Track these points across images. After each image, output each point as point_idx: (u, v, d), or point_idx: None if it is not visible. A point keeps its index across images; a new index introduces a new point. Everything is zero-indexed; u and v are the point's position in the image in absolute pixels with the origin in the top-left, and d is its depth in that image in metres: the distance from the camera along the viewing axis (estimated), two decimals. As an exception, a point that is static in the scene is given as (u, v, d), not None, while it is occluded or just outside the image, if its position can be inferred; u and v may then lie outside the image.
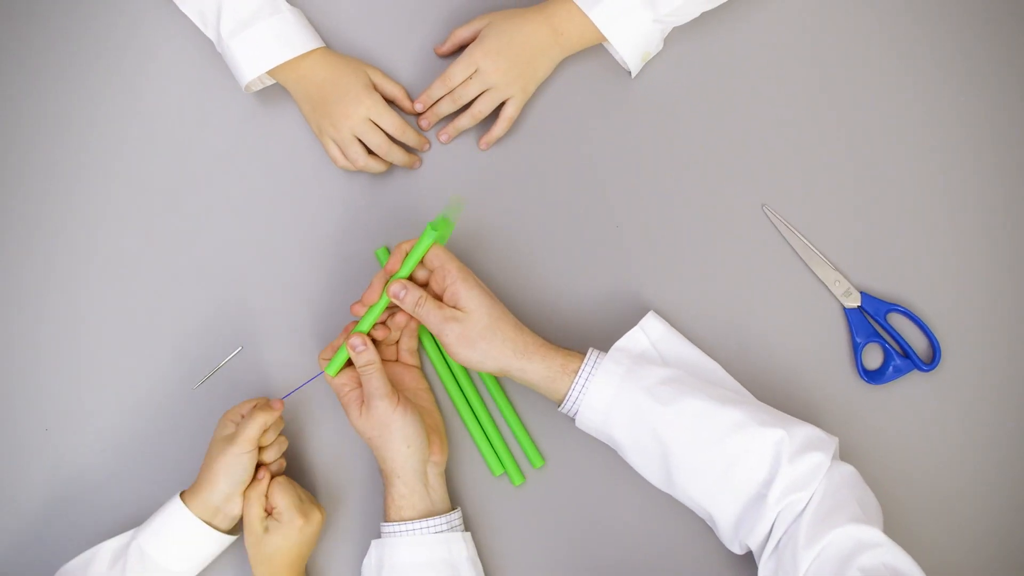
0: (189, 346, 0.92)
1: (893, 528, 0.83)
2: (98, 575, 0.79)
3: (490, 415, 0.89)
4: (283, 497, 0.81)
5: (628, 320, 0.87)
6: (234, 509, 0.82)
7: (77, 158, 0.95)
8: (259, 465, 0.84)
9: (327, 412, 0.90)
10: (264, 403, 0.84)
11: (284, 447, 0.86)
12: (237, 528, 0.84)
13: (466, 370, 0.90)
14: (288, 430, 0.89)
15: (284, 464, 0.87)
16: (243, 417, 0.83)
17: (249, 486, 0.82)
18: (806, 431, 0.77)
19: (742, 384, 0.87)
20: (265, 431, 0.82)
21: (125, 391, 0.92)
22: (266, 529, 0.81)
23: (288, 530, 0.80)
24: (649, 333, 0.85)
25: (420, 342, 0.90)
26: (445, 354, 0.89)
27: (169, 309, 0.93)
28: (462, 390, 0.89)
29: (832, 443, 0.77)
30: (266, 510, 0.82)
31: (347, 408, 0.83)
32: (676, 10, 0.88)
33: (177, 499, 0.81)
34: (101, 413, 0.92)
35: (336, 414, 0.90)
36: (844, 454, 0.85)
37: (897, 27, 0.94)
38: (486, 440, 0.88)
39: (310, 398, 0.89)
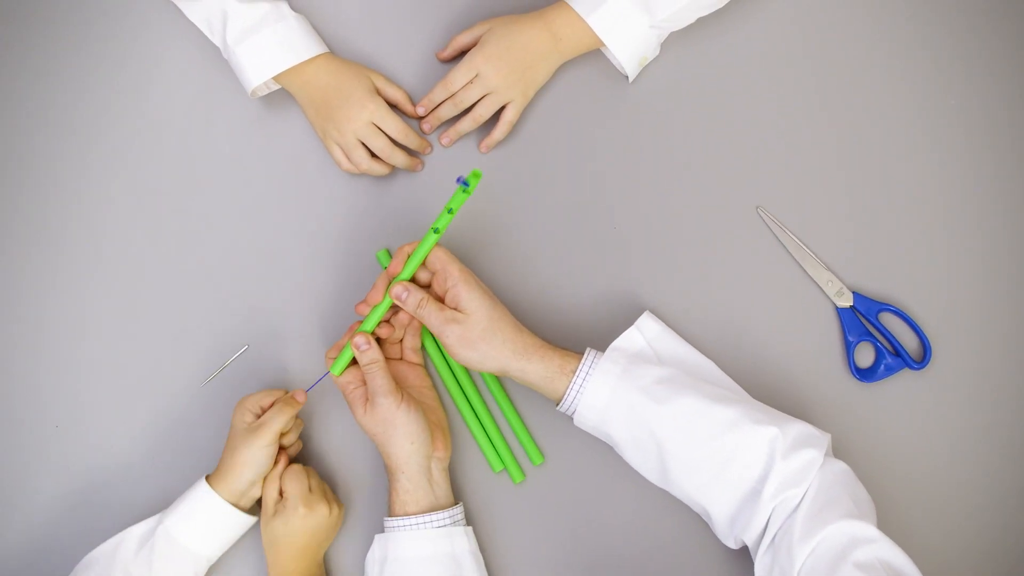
0: (196, 344, 0.93)
1: (883, 522, 0.83)
2: (125, 560, 0.80)
3: (490, 413, 0.91)
4: (291, 484, 0.83)
5: (625, 320, 0.88)
6: (257, 492, 0.84)
7: (87, 161, 0.96)
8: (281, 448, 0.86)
9: (332, 410, 0.91)
10: (288, 398, 0.85)
11: (300, 428, 0.88)
12: (257, 509, 0.86)
13: (466, 369, 0.91)
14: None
15: (301, 445, 0.89)
16: (263, 410, 0.85)
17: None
18: (799, 428, 0.78)
19: (737, 382, 0.88)
20: None
21: (134, 388, 0.93)
22: (275, 513, 0.83)
23: (290, 517, 0.82)
24: (645, 332, 0.86)
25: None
26: (446, 353, 0.91)
27: (177, 309, 0.94)
28: (462, 388, 0.91)
29: (824, 440, 0.78)
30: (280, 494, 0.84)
31: (352, 405, 0.84)
32: (672, 16, 0.89)
33: (204, 483, 0.83)
34: (110, 410, 0.92)
35: (341, 412, 0.91)
36: (836, 450, 0.86)
37: (887, 33, 0.95)
38: (486, 437, 0.90)
39: (315, 396, 0.91)
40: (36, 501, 0.91)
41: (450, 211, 0.81)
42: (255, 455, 0.82)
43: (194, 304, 0.94)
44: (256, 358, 0.93)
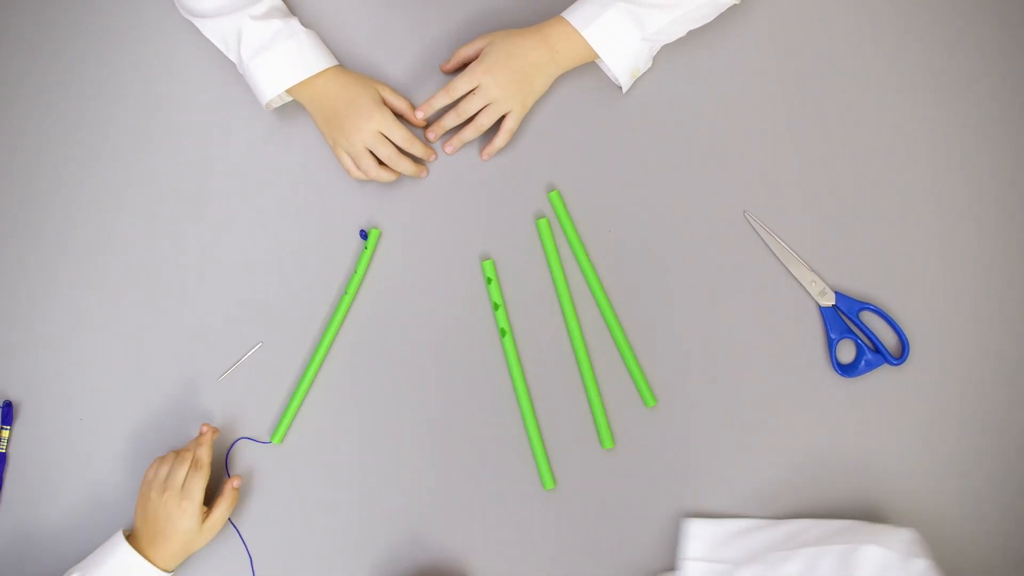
0: (213, 342, 0.96)
1: (863, 512, 0.87)
2: None
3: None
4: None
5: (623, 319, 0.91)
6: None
7: (112, 169, 0.99)
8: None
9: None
10: (197, 463, 0.88)
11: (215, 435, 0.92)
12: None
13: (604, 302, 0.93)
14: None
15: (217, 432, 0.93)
16: (183, 478, 0.87)
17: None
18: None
19: (724, 378, 0.90)
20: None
21: (154, 383, 0.95)
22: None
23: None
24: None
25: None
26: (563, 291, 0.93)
27: (195, 308, 0.96)
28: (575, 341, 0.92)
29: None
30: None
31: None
32: (663, 29, 0.91)
33: (126, 544, 0.85)
34: (132, 403, 0.95)
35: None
36: (820, 442, 0.88)
37: (866, 45, 0.96)
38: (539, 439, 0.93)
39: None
40: (60, 489, 0.94)
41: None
42: (190, 526, 0.86)
43: (210, 304, 0.96)
44: (269, 355, 0.96)
